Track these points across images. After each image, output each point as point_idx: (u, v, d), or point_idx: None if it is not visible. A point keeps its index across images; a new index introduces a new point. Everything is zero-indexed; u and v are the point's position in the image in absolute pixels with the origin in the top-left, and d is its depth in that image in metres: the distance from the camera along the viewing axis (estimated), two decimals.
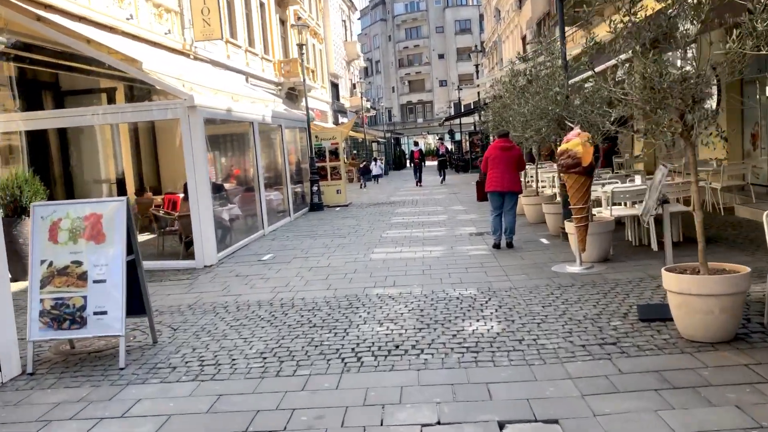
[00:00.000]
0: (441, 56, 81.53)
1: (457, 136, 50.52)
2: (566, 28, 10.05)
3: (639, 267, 7.48)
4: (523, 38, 37.17)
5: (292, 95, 30.82)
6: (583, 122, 8.08)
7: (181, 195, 11.06)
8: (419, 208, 16.76)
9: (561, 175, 7.66)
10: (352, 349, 5.15)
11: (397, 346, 5.13)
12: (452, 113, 51.53)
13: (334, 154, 19.12)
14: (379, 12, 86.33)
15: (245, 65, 24.31)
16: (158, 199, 13.64)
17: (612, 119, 6.03)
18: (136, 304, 5.52)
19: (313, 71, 34.12)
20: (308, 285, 7.83)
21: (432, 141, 71.66)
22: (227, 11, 22.81)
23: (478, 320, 5.74)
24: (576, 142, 7.24)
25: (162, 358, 5.26)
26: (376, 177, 32.84)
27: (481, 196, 9.80)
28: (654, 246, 8.34)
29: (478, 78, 27.13)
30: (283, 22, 31.92)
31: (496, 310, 6.04)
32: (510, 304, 6.25)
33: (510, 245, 9.47)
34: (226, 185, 12.69)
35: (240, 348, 5.38)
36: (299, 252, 10.48)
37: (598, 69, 8.10)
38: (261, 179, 12.96)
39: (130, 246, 5.33)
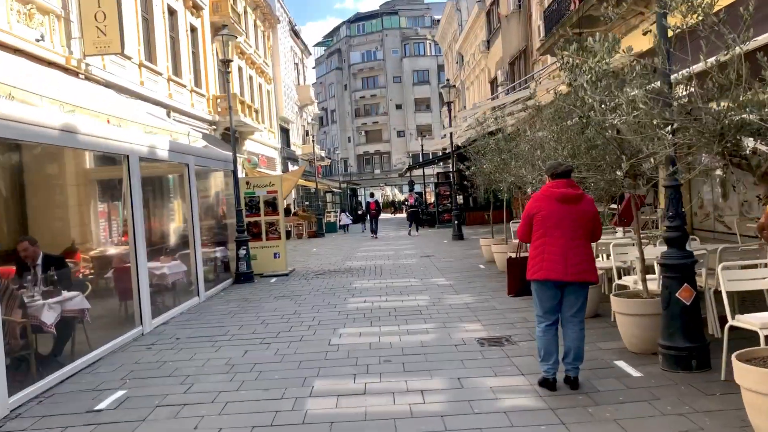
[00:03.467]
0: (399, 107, 78.46)
1: (417, 188, 46.62)
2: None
3: None
4: (492, 81, 33.78)
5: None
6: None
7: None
8: (386, 280, 12.14)
9: None
10: None
11: None
12: (410, 164, 47.59)
13: (272, 206, 14.45)
14: (335, 60, 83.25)
15: (167, 97, 19.67)
16: None
17: None
18: None
19: (257, 111, 29.69)
20: None
21: (390, 192, 67.70)
22: (142, 29, 18.30)
23: None
24: None
25: None
26: (345, 227, 33.11)
27: (516, 287, 5.29)
28: None
29: (453, 115, 23.05)
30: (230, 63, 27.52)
31: None
32: None
33: (574, 383, 4.92)
34: (73, 258, 7.82)
35: None
36: (176, 387, 5.68)
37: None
38: (141, 244, 8.20)
39: None
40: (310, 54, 61.45)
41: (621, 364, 5.52)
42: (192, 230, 10.62)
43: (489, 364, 5.81)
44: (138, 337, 7.93)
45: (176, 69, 21.23)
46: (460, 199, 27.61)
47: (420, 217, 29.54)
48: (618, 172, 4.78)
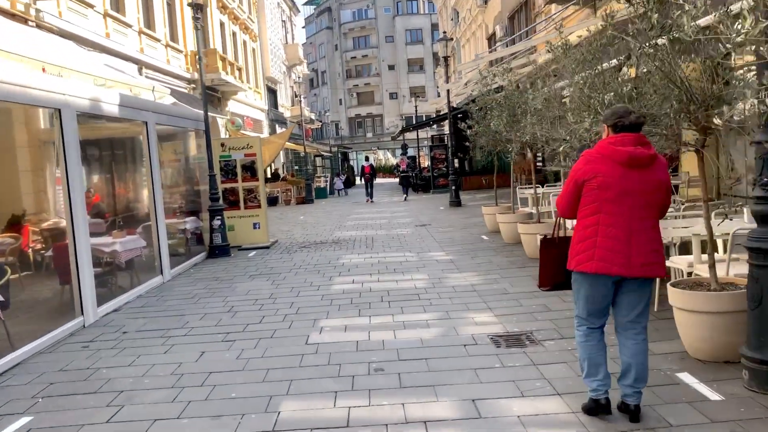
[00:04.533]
0: (391, 67, 76.09)
1: (411, 151, 45.05)
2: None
3: None
4: (490, 37, 32.00)
5: (213, 98, 24.42)
6: None
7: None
8: (378, 254, 10.77)
9: None
10: None
11: None
12: (404, 126, 45.88)
13: (250, 170, 12.96)
14: (325, 20, 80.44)
15: (137, 51, 17.94)
16: None
17: None
18: None
19: (240, 69, 27.85)
20: None
21: (382, 156, 66.07)
22: None
23: None
24: None
25: None
26: (340, 190, 33.07)
27: (552, 279, 3.89)
28: None
29: (449, 72, 21.42)
30: (200, 8, 25.56)
31: None
32: None
33: (635, 414, 3.57)
34: (18, 233, 6.35)
35: None
36: (100, 412, 4.30)
37: None
38: (80, 215, 6.75)
39: None
40: (299, 11, 58.93)
41: (687, 378, 4.18)
42: (153, 199, 9.15)
43: (511, 376, 4.46)
44: (77, 330, 6.55)
45: (149, 21, 19.43)
46: (456, 162, 26.26)
47: (411, 182, 28.50)
48: (716, 120, 3.37)
